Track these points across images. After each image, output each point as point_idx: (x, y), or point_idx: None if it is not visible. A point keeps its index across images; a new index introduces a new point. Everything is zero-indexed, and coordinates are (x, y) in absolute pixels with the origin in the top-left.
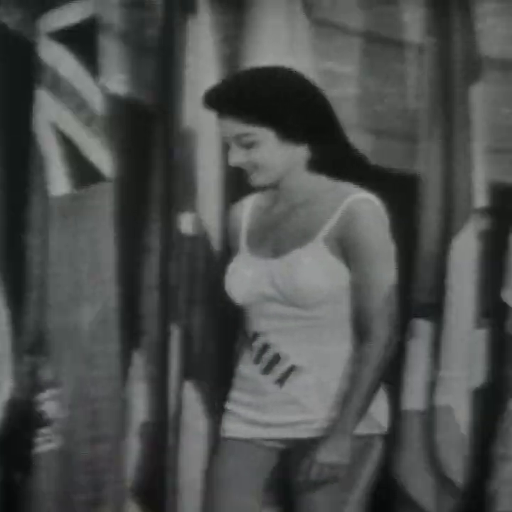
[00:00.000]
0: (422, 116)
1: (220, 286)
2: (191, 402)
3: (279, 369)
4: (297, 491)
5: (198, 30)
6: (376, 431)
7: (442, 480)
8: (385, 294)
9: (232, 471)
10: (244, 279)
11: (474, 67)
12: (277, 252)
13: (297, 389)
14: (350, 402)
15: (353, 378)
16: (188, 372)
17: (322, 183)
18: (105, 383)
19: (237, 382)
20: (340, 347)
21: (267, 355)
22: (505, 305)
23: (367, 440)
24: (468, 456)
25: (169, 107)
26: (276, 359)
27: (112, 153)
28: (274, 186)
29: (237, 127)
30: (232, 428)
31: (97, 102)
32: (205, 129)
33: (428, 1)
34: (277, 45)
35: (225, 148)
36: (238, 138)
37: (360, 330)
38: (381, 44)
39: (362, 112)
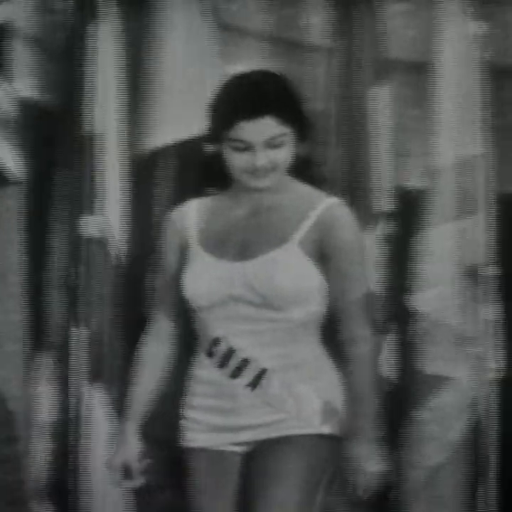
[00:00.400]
0: (327, 118)
1: (124, 288)
2: (97, 403)
3: (249, 373)
4: (258, 494)
5: (104, 35)
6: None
7: None
8: (365, 294)
9: (204, 481)
10: (209, 282)
11: (380, 69)
12: (246, 254)
13: (269, 391)
14: (367, 408)
15: (356, 385)
16: (93, 373)
17: (292, 186)
18: (14, 383)
19: (195, 387)
20: (310, 348)
21: (234, 360)
22: (409, 310)
23: (339, 441)
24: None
25: (76, 110)
26: (245, 363)
27: (21, 156)
28: (236, 186)
29: (273, 128)
30: (197, 437)
31: (8, 106)
32: (110, 133)
33: (333, 3)
34: (185, 49)
35: (130, 149)
36: (270, 140)
37: (343, 332)
38: (286, 47)
39: None
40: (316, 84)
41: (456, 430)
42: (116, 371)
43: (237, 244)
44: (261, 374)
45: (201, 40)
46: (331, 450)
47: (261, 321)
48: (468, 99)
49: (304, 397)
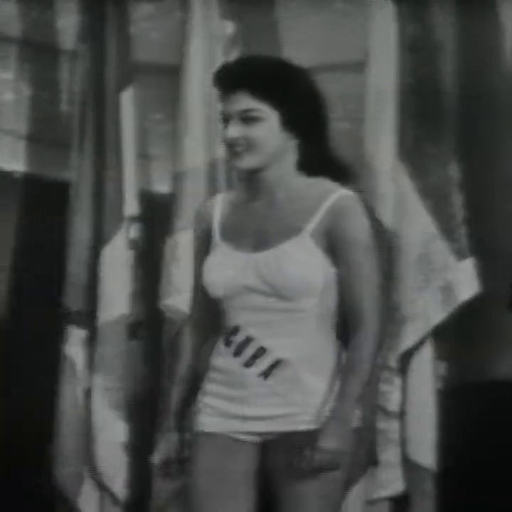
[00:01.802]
0: (74, 122)
1: None
2: None
3: (263, 362)
4: (281, 486)
5: None
6: (356, 425)
7: (103, 490)
8: (375, 284)
9: (212, 465)
10: (225, 272)
11: (126, 72)
12: (260, 245)
13: (280, 382)
14: (349, 389)
15: (348, 365)
16: None
17: (303, 179)
18: None
19: (211, 374)
20: (323, 340)
21: (250, 349)
22: (160, 314)
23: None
24: (128, 468)
25: None
26: (260, 352)
27: None
28: (255, 179)
29: (245, 101)
30: (207, 422)
31: None
32: None
33: (83, 6)
34: None
35: None
36: (243, 112)
37: (352, 319)
38: (36, 50)
39: (18, 118)
40: (66, 87)
41: None
42: None
43: (253, 235)
44: (275, 364)
45: None
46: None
47: (274, 311)
48: (215, 101)
49: (314, 390)
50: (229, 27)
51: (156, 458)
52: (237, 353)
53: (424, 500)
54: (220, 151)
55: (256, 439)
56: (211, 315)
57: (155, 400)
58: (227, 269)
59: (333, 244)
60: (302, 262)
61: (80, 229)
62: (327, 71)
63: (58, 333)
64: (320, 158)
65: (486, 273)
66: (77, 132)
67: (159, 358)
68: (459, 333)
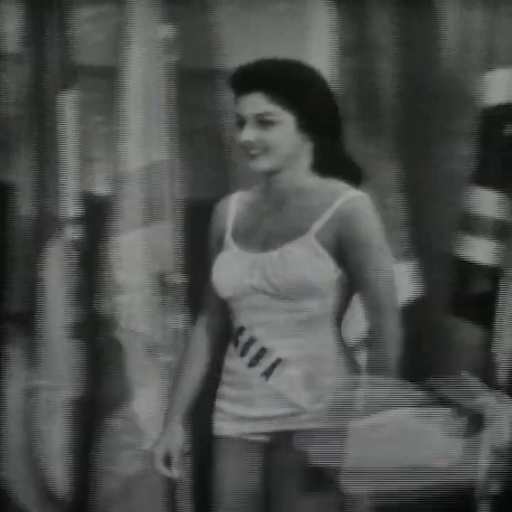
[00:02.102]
0: (16, 124)
1: None
2: None
3: (265, 362)
4: (282, 484)
5: None
6: None
7: (46, 490)
8: (389, 285)
9: (231, 469)
10: (233, 272)
11: (68, 75)
12: (267, 245)
13: (283, 382)
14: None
15: (375, 364)
16: None
17: (315, 180)
18: None
19: (224, 376)
20: (326, 340)
21: (253, 349)
22: (100, 317)
23: None
24: (70, 467)
25: None
26: (262, 352)
27: None
28: (268, 180)
29: (262, 105)
30: (222, 426)
31: None
32: None
33: (25, 11)
34: None
35: None
36: (260, 116)
37: (372, 319)
38: None
39: None
40: (9, 90)
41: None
42: None
43: (262, 236)
44: (275, 364)
45: None
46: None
47: (277, 311)
48: (155, 104)
49: (314, 390)
50: (168, 30)
51: (156, 449)
52: (243, 353)
53: None
54: (159, 155)
55: (265, 439)
56: (221, 315)
57: (95, 401)
58: (236, 269)
59: (343, 246)
60: (305, 263)
61: (21, 230)
62: None
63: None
64: (334, 160)
65: (424, 276)
66: (18, 134)
67: (99, 358)
68: None
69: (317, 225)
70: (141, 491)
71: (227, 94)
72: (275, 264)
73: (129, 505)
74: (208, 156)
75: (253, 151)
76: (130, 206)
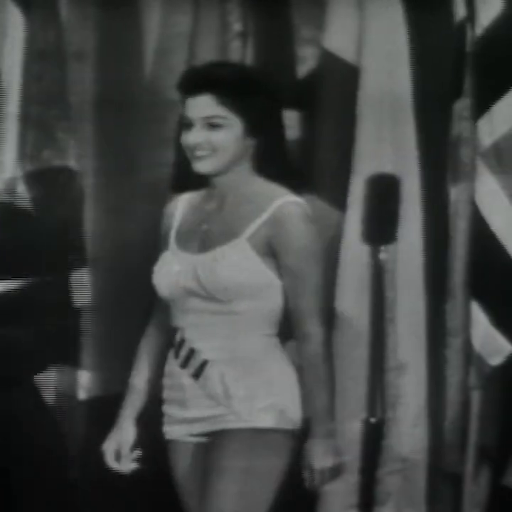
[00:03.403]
0: None
1: None
2: None
3: (194, 363)
4: (209, 485)
5: None
6: (290, 426)
7: None
8: (315, 293)
9: (180, 473)
10: (170, 273)
11: None
12: (203, 247)
13: (209, 383)
14: (319, 404)
15: (307, 381)
16: None
17: (255, 184)
18: None
19: (164, 380)
20: (256, 342)
21: (183, 350)
22: None
23: (282, 435)
24: None
25: None
26: (191, 353)
27: None
28: (211, 182)
29: (210, 107)
30: (167, 430)
31: None
32: None
33: None
34: None
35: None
36: (208, 119)
37: (296, 327)
38: None
39: None
40: None
41: None
42: None
43: (200, 237)
44: (203, 365)
45: None
46: (272, 444)
47: (208, 313)
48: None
49: (242, 391)
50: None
51: (107, 445)
52: (176, 355)
53: None
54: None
55: (202, 440)
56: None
57: None
58: (173, 269)
59: (275, 251)
60: (235, 265)
61: None
62: None
63: None
64: (277, 164)
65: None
66: None
67: None
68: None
69: (250, 229)
70: None
71: None
72: (206, 265)
73: None
74: None
75: (199, 153)
76: None
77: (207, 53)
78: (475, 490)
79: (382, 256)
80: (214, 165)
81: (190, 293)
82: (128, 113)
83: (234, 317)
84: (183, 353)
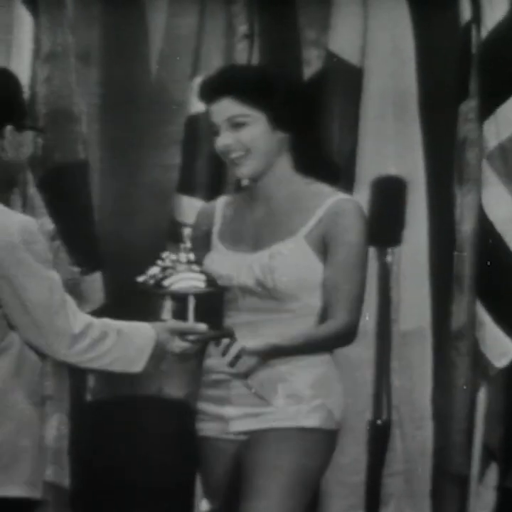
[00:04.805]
0: None
1: None
2: None
3: (244, 362)
4: (252, 484)
5: None
6: (334, 427)
7: None
8: (356, 287)
9: (211, 470)
10: (222, 272)
11: None
12: (257, 246)
13: (259, 382)
14: (286, 342)
15: (303, 333)
16: None
17: (300, 181)
18: None
19: (203, 377)
20: None
21: (234, 349)
22: None
23: (327, 435)
24: None
25: None
26: (242, 352)
27: None
28: (254, 183)
29: (231, 108)
30: (202, 427)
31: None
32: None
33: None
34: None
35: None
36: (231, 119)
37: (326, 313)
38: None
39: None
40: None
41: None
42: None
43: (251, 237)
44: (253, 364)
45: None
46: (318, 444)
47: (262, 311)
48: None
49: (290, 390)
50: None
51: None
52: (224, 353)
53: None
54: None
55: (240, 437)
56: None
57: None
58: (223, 269)
59: (328, 245)
60: (295, 264)
61: None
62: None
63: None
64: (314, 159)
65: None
66: None
67: None
68: None
69: (306, 227)
70: None
71: None
72: (263, 263)
73: None
74: None
75: (233, 155)
76: None
77: (213, 55)
78: (481, 491)
79: (388, 258)
80: (253, 166)
81: (246, 291)
82: (134, 114)
83: (286, 315)
84: (233, 351)
